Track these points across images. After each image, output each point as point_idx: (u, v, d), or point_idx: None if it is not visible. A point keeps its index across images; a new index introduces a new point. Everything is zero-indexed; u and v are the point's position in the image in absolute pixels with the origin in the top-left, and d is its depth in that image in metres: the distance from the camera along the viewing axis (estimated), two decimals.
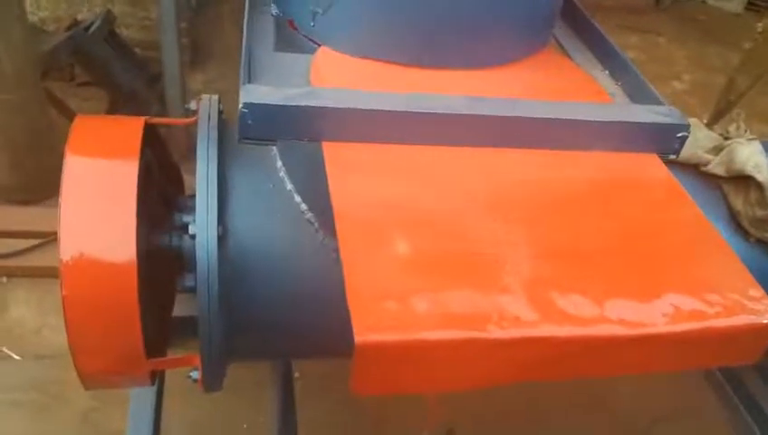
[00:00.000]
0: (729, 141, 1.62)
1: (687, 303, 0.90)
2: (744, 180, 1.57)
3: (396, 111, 1.04)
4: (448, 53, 1.23)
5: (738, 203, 1.60)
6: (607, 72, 1.35)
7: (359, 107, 1.03)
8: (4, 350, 2.57)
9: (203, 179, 1.18)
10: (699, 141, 1.68)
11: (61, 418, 2.34)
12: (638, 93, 1.25)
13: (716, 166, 1.61)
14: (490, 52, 1.27)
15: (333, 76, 1.20)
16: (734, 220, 1.61)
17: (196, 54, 4.20)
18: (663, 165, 1.14)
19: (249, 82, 1.09)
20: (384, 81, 1.20)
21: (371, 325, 0.79)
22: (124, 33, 3.85)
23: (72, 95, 3.71)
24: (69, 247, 1.14)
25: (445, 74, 1.23)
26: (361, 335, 0.77)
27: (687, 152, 1.63)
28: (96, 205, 1.20)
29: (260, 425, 2.37)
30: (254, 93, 1.03)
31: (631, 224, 1.02)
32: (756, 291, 0.94)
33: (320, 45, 1.29)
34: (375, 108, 1.03)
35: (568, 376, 0.91)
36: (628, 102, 1.26)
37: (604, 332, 0.84)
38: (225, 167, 1.28)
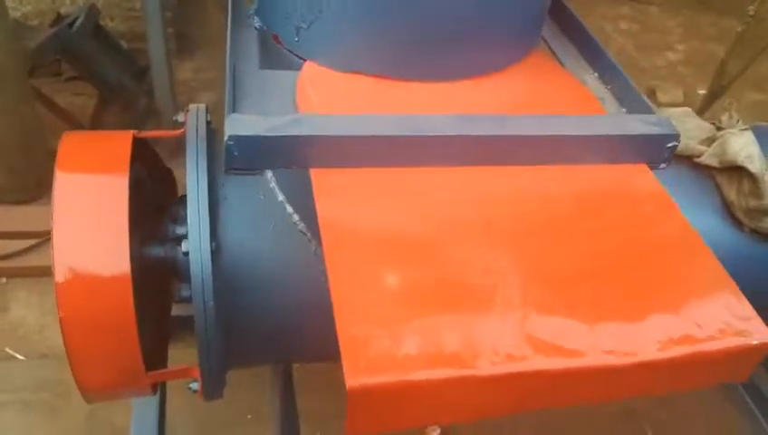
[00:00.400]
0: (722, 132, 1.60)
1: (677, 326, 0.89)
2: (737, 171, 1.55)
3: (383, 136, 1.02)
4: (435, 65, 1.21)
5: (732, 194, 1.59)
6: (596, 74, 1.32)
7: (345, 134, 1.02)
8: (8, 350, 2.58)
9: (193, 194, 1.16)
10: (691, 132, 1.66)
11: (69, 416, 2.36)
12: (627, 98, 1.22)
13: (709, 157, 1.59)
14: (476, 62, 1.25)
15: (319, 94, 1.18)
16: (728, 211, 1.60)
17: (182, 43, 4.15)
18: (652, 175, 1.13)
19: (234, 110, 1.07)
20: (370, 96, 1.19)
21: (362, 368, 0.78)
22: (109, 25, 3.79)
23: (61, 90, 3.66)
24: (63, 268, 1.14)
25: (432, 87, 1.21)
26: (353, 379, 0.77)
27: (681, 144, 1.61)
28: (87, 223, 1.19)
29: (264, 415, 2.39)
30: (239, 124, 1.01)
31: (620, 242, 1.01)
32: (746, 310, 0.93)
33: (305, 60, 1.26)
34: (361, 134, 1.02)
35: (563, 404, 0.91)
36: (617, 108, 1.23)
37: (596, 362, 0.84)
38: (216, 178, 1.26)
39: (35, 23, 3.49)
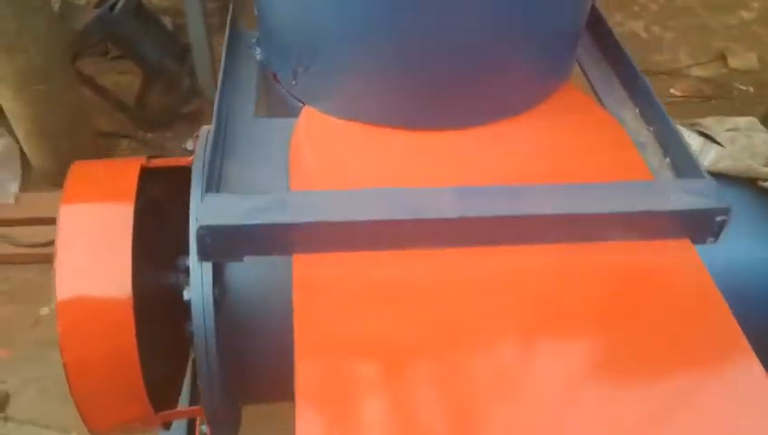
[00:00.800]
0: None
1: None
2: None
3: (375, 221, 0.89)
4: (443, 114, 1.08)
5: None
6: (638, 110, 1.15)
7: (333, 220, 0.89)
8: None
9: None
10: (757, 148, 1.48)
11: None
12: (671, 147, 1.05)
13: None
14: (491, 108, 1.10)
15: (314, 147, 1.07)
16: None
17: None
18: (696, 256, 0.96)
19: (209, 188, 0.94)
20: (371, 149, 1.07)
21: None
22: (153, 1, 3.73)
23: (107, 70, 3.67)
24: (66, 308, 1.12)
25: (440, 137, 1.08)
26: None
27: (743, 164, 1.44)
28: (90, 259, 1.17)
29: None
30: (212, 211, 0.89)
31: (656, 343, 0.86)
32: None
33: (303, 105, 1.15)
34: (350, 219, 0.89)
35: None
36: (660, 159, 1.06)
37: None
38: None
39: (82, 2, 3.46)
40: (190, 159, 1.27)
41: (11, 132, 3.05)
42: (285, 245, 0.92)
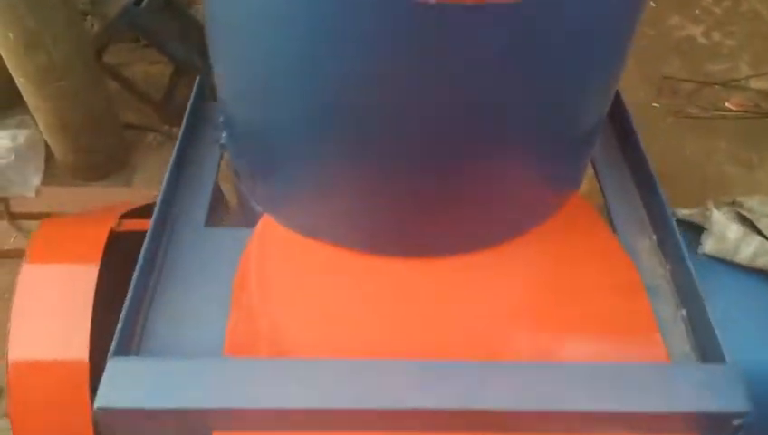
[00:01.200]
0: None
1: None
2: None
3: (312, 410, 0.75)
4: (418, 242, 0.92)
5: None
6: (655, 237, 0.98)
7: (258, 407, 0.75)
8: None
9: None
10: None
11: None
12: (688, 299, 0.88)
13: None
14: (477, 236, 0.94)
15: (268, 267, 0.93)
16: None
17: None
18: None
19: (118, 350, 0.79)
20: (334, 276, 0.93)
21: None
22: None
23: (138, 59, 3.58)
24: (19, 374, 1.06)
25: (413, 265, 0.92)
26: None
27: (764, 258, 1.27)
28: (47, 320, 1.12)
29: None
30: (115, 386, 0.75)
31: None
32: None
33: (262, 214, 1.01)
34: (280, 406, 0.75)
35: None
36: (674, 311, 0.89)
37: None
38: None
39: None
40: None
41: (37, 124, 3.02)
42: (201, 426, 0.79)
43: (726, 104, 3.88)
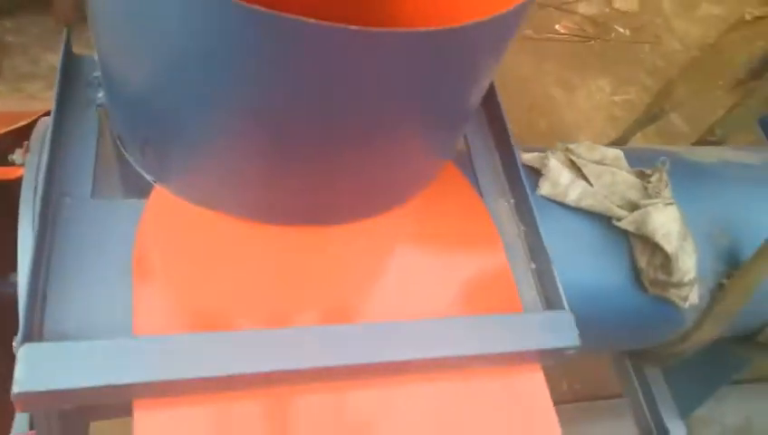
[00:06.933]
0: (645, 202, 1.46)
1: None
2: (652, 243, 1.44)
3: (221, 377, 0.79)
4: (307, 210, 0.96)
5: (642, 261, 1.49)
6: (513, 201, 1.10)
7: (172, 378, 0.78)
8: None
9: (24, 258, 0.89)
10: (618, 188, 1.50)
11: None
12: (537, 257, 1.03)
13: (628, 223, 1.46)
14: (366, 205, 0.99)
15: (163, 257, 0.91)
16: (637, 274, 1.52)
17: None
18: (545, 385, 0.96)
19: (28, 336, 0.76)
20: (226, 249, 0.93)
21: None
22: None
23: None
24: None
25: (305, 232, 0.96)
26: None
27: (602, 205, 1.47)
28: None
29: None
30: (32, 370, 0.74)
31: None
32: None
33: (154, 183, 0.96)
34: (195, 376, 0.78)
35: None
36: (526, 264, 1.03)
37: None
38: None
39: None
40: (18, 173, 1.06)
41: None
42: (121, 398, 0.81)
43: (557, 27, 4.14)
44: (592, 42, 4.11)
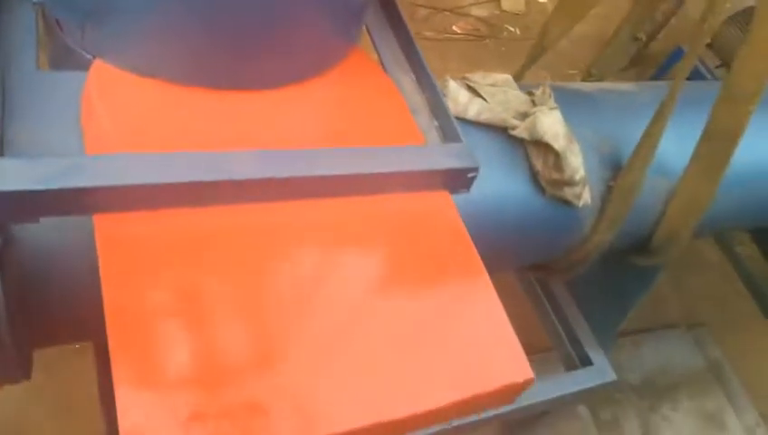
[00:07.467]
0: (534, 109, 1.67)
1: (454, 373, 0.96)
2: (544, 145, 1.64)
3: (173, 184, 0.92)
4: (234, 73, 1.09)
5: (539, 164, 1.69)
6: (414, 76, 1.28)
7: (131, 183, 0.89)
8: None
9: None
10: (510, 103, 1.71)
11: None
12: (438, 113, 1.21)
13: (521, 131, 1.66)
14: (280, 71, 1.14)
15: (107, 104, 1.02)
16: (535, 178, 1.71)
17: None
18: (453, 206, 1.14)
19: None
20: (164, 110, 1.05)
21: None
22: None
23: None
24: None
25: (236, 97, 1.09)
26: None
27: (498, 117, 1.67)
28: None
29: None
30: (2, 177, 0.83)
31: (410, 277, 1.04)
32: (516, 352, 1.02)
33: (93, 58, 1.07)
34: (150, 181, 0.90)
35: None
36: (429, 121, 1.21)
37: (377, 419, 0.88)
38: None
39: None
40: None
41: None
42: (83, 206, 0.91)
43: (453, 27, 4.46)
44: (487, 40, 4.44)
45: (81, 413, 2.30)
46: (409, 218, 1.10)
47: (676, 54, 3.40)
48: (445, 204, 1.14)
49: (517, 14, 4.63)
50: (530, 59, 1.93)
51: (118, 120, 1.02)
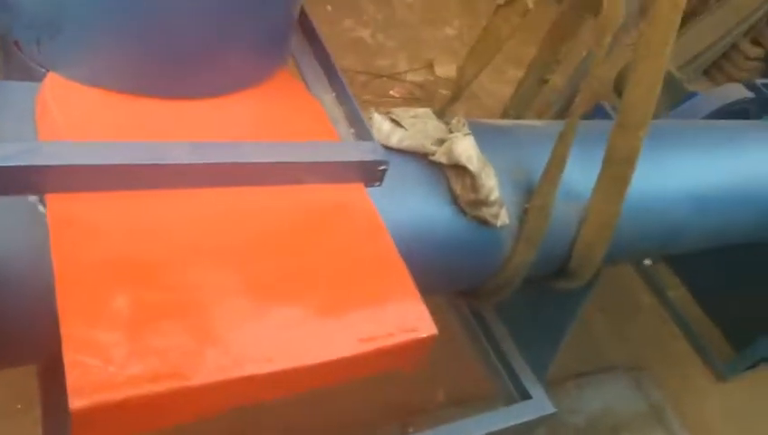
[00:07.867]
0: (450, 135, 1.82)
1: (363, 328, 1.08)
2: (461, 169, 1.79)
3: (120, 165, 1.05)
4: (174, 84, 1.23)
5: (458, 187, 1.82)
6: (334, 94, 1.44)
7: (82, 163, 1.02)
8: None
9: None
10: (429, 132, 1.86)
11: None
12: (355, 122, 1.36)
13: (440, 156, 1.80)
14: (218, 83, 1.28)
15: (62, 111, 1.14)
16: (456, 201, 1.84)
17: None
18: (366, 195, 1.29)
19: None
20: (110, 114, 1.18)
21: (85, 390, 0.84)
22: None
23: None
24: None
25: (174, 105, 1.23)
26: (77, 401, 0.82)
27: (418, 143, 1.81)
28: None
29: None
30: None
31: (329, 255, 1.16)
32: (421, 311, 1.15)
33: (47, 71, 1.20)
34: (99, 163, 1.03)
35: (278, 395, 1.04)
36: (347, 130, 1.37)
37: (292, 364, 1.00)
38: None
39: None
40: None
41: None
42: (37, 185, 1.01)
43: (391, 92, 4.71)
44: (422, 102, 4.71)
45: None
46: (327, 204, 1.24)
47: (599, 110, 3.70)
48: (359, 193, 1.28)
49: (449, 79, 4.94)
50: (450, 99, 2.11)
51: (68, 124, 1.14)
